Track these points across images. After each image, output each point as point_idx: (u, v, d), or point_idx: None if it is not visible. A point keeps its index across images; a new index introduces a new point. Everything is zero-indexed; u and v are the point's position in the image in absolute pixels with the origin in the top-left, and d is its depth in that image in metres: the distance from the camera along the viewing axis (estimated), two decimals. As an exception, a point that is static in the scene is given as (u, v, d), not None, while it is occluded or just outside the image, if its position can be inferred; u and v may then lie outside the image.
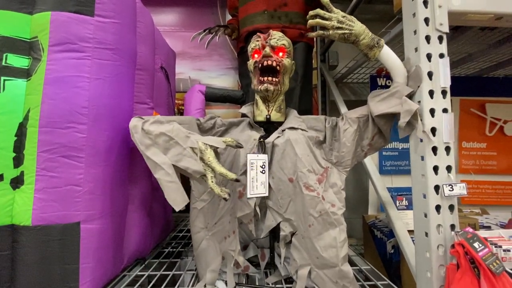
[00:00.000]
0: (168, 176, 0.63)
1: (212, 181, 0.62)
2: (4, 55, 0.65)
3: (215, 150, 0.66)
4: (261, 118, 0.81)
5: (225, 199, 0.62)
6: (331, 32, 0.74)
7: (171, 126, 0.68)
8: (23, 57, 0.66)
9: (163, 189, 0.63)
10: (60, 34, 0.66)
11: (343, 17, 0.74)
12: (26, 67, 0.66)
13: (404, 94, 0.70)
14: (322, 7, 0.77)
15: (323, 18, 0.74)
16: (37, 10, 0.67)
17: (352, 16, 0.76)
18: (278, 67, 0.76)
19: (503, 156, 1.42)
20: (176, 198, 0.62)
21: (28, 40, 0.67)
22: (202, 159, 0.64)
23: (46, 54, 0.66)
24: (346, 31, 0.73)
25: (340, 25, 0.73)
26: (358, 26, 0.74)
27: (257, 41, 0.80)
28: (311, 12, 0.75)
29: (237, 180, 0.63)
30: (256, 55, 0.79)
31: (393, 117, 0.75)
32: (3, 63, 0.64)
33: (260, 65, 0.76)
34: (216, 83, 1.63)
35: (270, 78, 0.76)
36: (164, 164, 0.64)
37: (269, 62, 0.75)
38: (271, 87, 0.76)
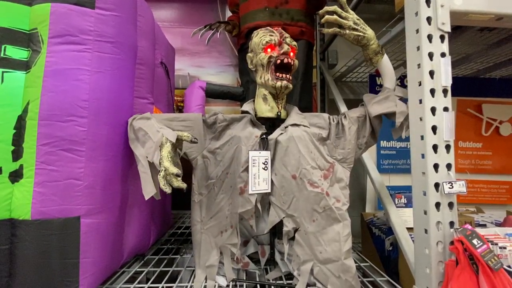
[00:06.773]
0: (143, 168, 0.68)
1: (160, 174, 0.63)
2: (3, 46, 0.63)
3: (174, 143, 0.66)
4: (271, 114, 0.80)
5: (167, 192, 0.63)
6: (347, 31, 0.76)
7: (148, 122, 0.73)
8: (22, 49, 0.65)
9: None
10: (60, 26, 0.65)
11: (358, 19, 0.77)
12: (25, 59, 0.65)
13: (397, 98, 0.78)
14: (322, 5, 0.77)
15: (340, 16, 0.76)
16: (36, 1, 0.66)
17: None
18: (292, 66, 0.78)
19: (498, 156, 1.43)
20: (145, 187, 0.67)
21: (27, 32, 0.66)
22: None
23: (45, 46, 0.65)
24: (361, 34, 0.77)
25: (356, 27, 0.76)
26: (370, 31, 0.78)
27: (271, 35, 0.79)
28: (328, 8, 0.76)
29: (177, 175, 0.62)
30: (269, 50, 0.78)
31: (382, 119, 0.82)
32: (2, 55, 0.63)
33: (278, 61, 0.76)
34: (215, 80, 1.62)
35: (288, 76, 0.77)
36: (141, 156, 0.69)
37: (289, 60, 0.76)
38: (290, 85, 0.78)
